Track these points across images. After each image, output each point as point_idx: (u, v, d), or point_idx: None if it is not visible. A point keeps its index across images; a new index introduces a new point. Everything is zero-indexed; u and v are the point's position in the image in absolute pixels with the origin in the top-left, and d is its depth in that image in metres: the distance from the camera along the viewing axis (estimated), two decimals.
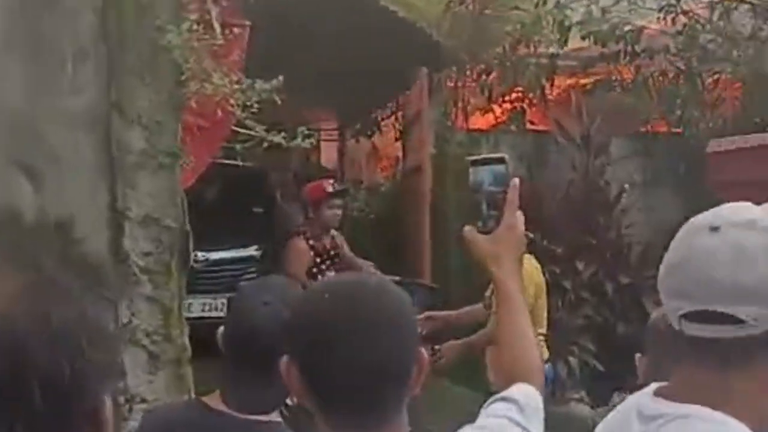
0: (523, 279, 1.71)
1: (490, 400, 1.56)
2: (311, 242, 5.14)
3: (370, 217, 9.13)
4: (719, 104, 8.47)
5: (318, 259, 5.14)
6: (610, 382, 7.10)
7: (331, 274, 5.19)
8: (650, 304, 7.15)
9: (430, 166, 6.77)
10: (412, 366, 1.35)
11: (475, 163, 1.77)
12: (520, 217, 1.67)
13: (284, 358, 1.36)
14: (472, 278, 5.66)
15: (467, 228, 1.69)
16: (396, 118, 9.10)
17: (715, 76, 8.56)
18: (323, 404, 1.34)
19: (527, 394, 1.56)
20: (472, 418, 1.55)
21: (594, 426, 5.87)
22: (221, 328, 2.00)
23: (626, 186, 7.66)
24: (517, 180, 1.68)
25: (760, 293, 1.28)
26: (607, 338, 7.02)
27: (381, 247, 6.92)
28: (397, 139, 9.36)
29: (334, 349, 1.30)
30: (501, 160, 1.74)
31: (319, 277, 5.15)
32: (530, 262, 4.57)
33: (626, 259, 7.39)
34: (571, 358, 6.94)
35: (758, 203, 4.51)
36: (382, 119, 9.47)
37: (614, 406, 5.93)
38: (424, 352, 1.38)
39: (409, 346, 1.35)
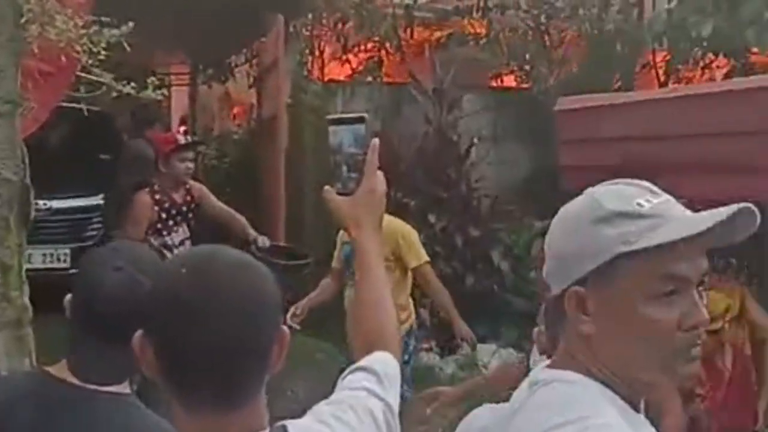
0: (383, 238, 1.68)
1: (348, 369, 1.53)
2: (158, 197, 4.94)
3: (223, 165, 8.95)
4: (566, 61, 8.76)
5: (164, 215, 4.95)
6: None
7: (182, 228, 5.04)
8: (497, 256, 7.39)
9: (286, 116, 6.66)
10: (273, 345, 1.30)
11: (333, 122, 1.73)
12: (380, 178, 1.64)
13: (138, 333, 1.30)
14: (326, 231, 5.64)
15: (327, 188, 1.64)
16: (251, 65, 8.90)
17: (562, 34, 8.84)
18: (177, 384, 1.29)
19: (386, 363, 1.54)
20: (335, 377, 1.53)
21: (442, 373, 6.05)
22: (68, 296, 1.88)
23: (476, 140, 7.81)
24: (377, 140, 1.63)
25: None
26: (457, 290, 7.18)
27: (235, 197, 6.80)
28: (251, 87, 9.16)
29: (190, 328, 1.24)
30: (361, 120, 1.70)
31: (167, 233, 4.98)
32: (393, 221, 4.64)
33: (476, 212, 7.57)
34: (421, 310, 7.07)
35: (602, 160, 4.64)
36: (237, 66, 9.24)
37: (463, 355, 6.06)
38: (286, 329, 1.34)
39: (269, 324, 1.30)
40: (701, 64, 8.02)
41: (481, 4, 8.98)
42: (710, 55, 7.37)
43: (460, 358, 7.15)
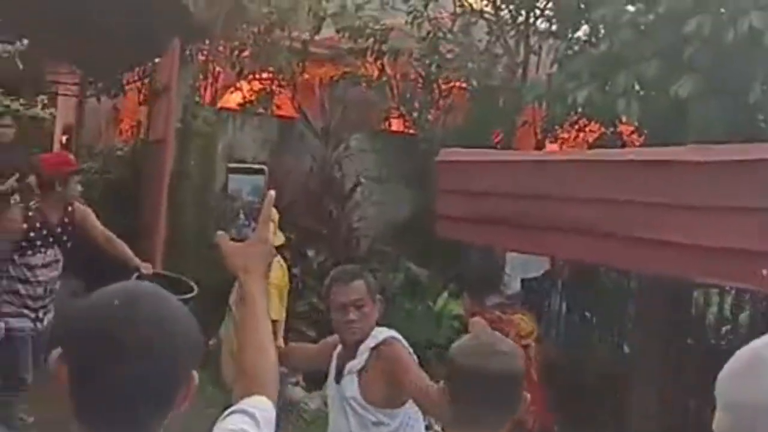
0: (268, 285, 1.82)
1: (227, 412, 1.61)
2: (31, 214, 4.90)
3: (104, 181, 8.83)
4: (451, 111, 9.09)
5: (33, 234, 4.90)
6: None
7: (52, 250, 4.98)
8: None
9: (175, 140, 6.67)
10: (182, 387, 1.39)
11: (234, 170, 1.84)
12: (271, 229, 1.78)
13: (56, 353, 1.36)
14: (204, 261, 5.67)
15: (221, 233, 1.76)
16: (142, 84, 8.87)
17: (450, 85, 9.18)
18: (82, 413, 1.35)
19: (263, 407, 1.63)
20: (214, 417, 1.61)
21: (306, 407, 6.19)
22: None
23: (362, 179, 8.00)
24: (273, 193, 1.76)
25: None
26: (328, 326, 7.31)
27: (113, 215, 6.74)
28: (140, 104, 9.11)
29: (108, 358, 1.31)
30: (261, 171, 1.82)
31: (31, 252, 4.91)
32: (278, 264, 4.76)
33: (354, 250, 7.74)
34: (293, 344, 7.14)
35: (475, 213, 4.88)
36: (128, 82, 9.18)
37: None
38: (195, 374, 1.42)
39: (182, 367, 1.39)
40: (576, 127, 8.48)
41: (376, 47, 9.23)
42: (584, 120, 7.81)
43: (325, 394, 7.24)
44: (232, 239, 1.75)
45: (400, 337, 3.31)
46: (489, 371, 2.09)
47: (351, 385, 3.22)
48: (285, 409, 7.19)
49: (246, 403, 1.63)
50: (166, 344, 1.36)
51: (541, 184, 4.75)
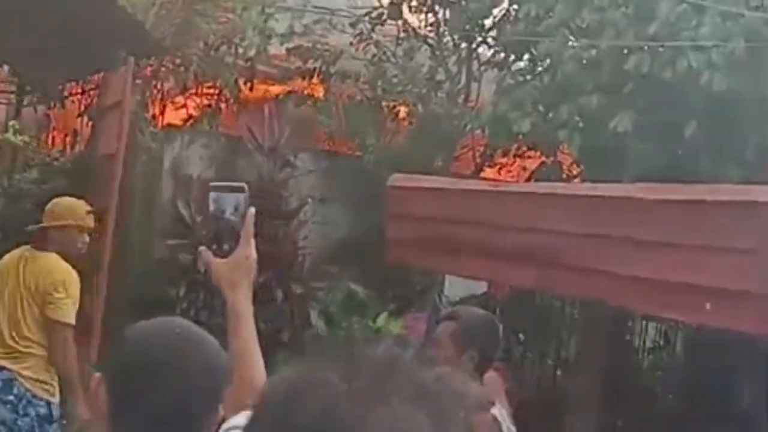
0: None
1: (225, 427, 1.67)
2: None
3: (41, 192, 8.70)
4: (396, 134, 9.24)
5: None
6: None
7: None
8: (315, 314, 7.65)
9: (122, 155, 6.64)
10: (213, 415, 1.52)
11: (216, 188, 1.94)
12: (253, 244, 1.87)
13: (97, 374, 1.44)
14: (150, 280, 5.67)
15: (203, 249, 1.85)
16: (83, 95, 8.78)
17: (395, 109, 9.34)
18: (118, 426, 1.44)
19: None
20: None
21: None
22: None
23: (308, 199, 8.08)
24: (253, 210, 1.87)
25: None
26: (271, 345, 7.36)
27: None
28: (79, 116, 9.00)
29: (151, 381, 1.43)
30: (241, 189, 1.93)
31: None
32: None
33: (299, 269, 7.80)
34: None
35: (421, 238, 5.00)
36: (70, 93, 9.07)
37: None
38: (221, 409, 1.55)
39: (210, 400, 1.51)
40: (515, 154, 8.71)
41: (323, 68, 9.32)
42: (523, 149, 8.03)
43: None
44: (215, 255, 1.85)
45: (500, 415, 3.23)
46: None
47: None
48: None
49: (238, 421, 1.66)
50: (204, 379, 1.51)
51: (485, 213, 4.92)
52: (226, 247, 1.88)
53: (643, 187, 4.07)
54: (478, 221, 4.94)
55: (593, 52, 6.51)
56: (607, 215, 4.03)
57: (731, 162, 5.82)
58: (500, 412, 3.23)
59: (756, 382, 4.58)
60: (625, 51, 6.25)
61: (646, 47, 6.05)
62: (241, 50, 9.11)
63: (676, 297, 3.53)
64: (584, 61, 6.58)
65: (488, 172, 9.41)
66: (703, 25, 5.71)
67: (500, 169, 9.65)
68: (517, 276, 4.80)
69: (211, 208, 1.91)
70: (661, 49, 5.98)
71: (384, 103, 9.35)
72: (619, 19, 6.25)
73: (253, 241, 1.87)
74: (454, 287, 7.62)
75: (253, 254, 1.87)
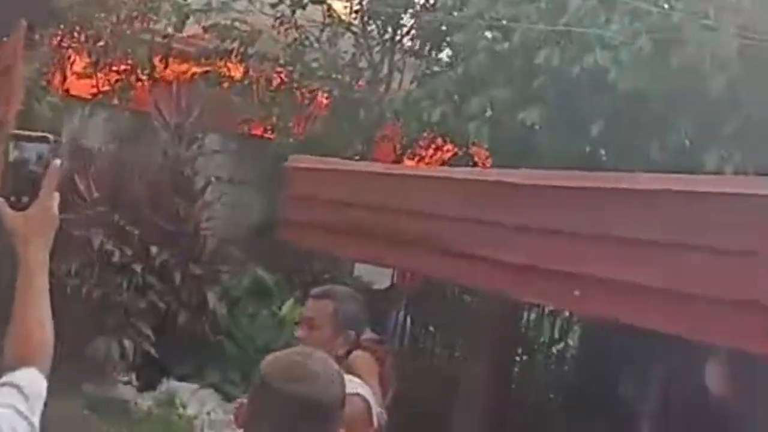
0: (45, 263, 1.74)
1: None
2: None
3: None
4: (313, 119, 9.11)
5: None
6: (161, 368, 7.28)
7: None
8: (213, 296, 7.46)
9: (12, 122, 6.37)
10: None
11: (17, 138, 1.80)
12: (56, 198, 1.73)
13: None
14: None
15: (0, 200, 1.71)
16: None
17: (313, 93, 9.20)
18: None
19: (33, 380, 1.62)
20: None
21: (137, 408, 6.04)
22: None
23: (213, 179, 7.89)
24: (58, 161, 1.74)
25: None
26: (167, 325, 7.18)
27: None
28: None
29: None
30: (45, 139, 1.80)
31: None
32: None
33: (200, 250, 7.62)
34: (126, 341, 6.98)
35: (319, 220, 4.89)
36: None
37: (162, 391, 6.12)
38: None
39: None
40: (433, 146, 8.65)
41: (242, 49, 9.14)
42: (439, 140, 7.97)
43: (158, 394, 7.11)
44: (12, 207, 1.71)
45: (370, 396, 3.09)
46: (294, 396, 1.82)
47: None
48: (114, 407, 7.00)
49: (17, 377, 1.61)
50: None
51: (387, 197, 4.81)
52: (25, 199, 1.74)
53: (536, 173, 4.01)
54: (375, 204, 4.84)
55: (506, 44, 6.45)
56: (496, 200, 3.96)
57: (635, 159, 5.82)
58: (369, 391, 3.11)
59: (643, 376, 4.57)
60: (538, 45, 6.21)
61: (557, 42, 6.01)
62: (157, 26, 8.89)
63: (550, 284, 3.47)
64: (496, 54, 6.52)
65: (407, 163, 9.34)
66: (612, 23, 5.69)
67: (419, 160, 9.60)
68: (414, 262, 4.71)
69: (11, 157, 1.76)
70: (570, 44, 5.94)
71: (303, 88, 9.21)
72: (533, 12, 6.20)
73: (56, 195, 1.73)
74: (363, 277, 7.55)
75: (54, 208, 1.73)
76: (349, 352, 4.24)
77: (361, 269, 7.51)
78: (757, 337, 2.73)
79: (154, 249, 7.25)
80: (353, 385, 2.94)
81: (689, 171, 4.59)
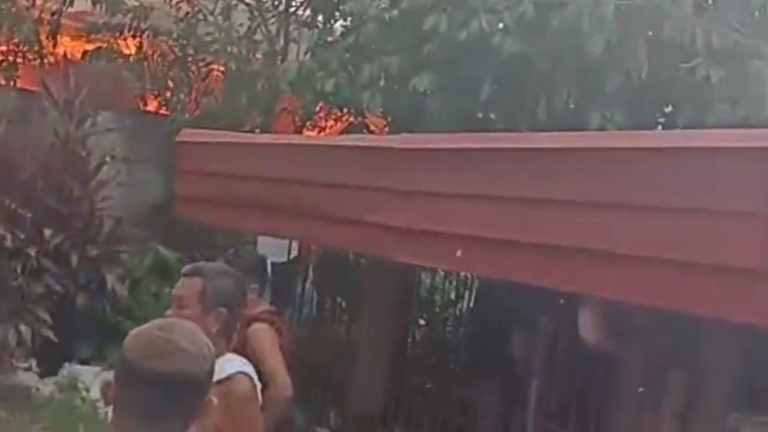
0: None
1: None
2: None
3: None
4: (208, 94, 9.01)
5: None
6: (62, 352, 7.16)
7: None
8: (112, 277, 7.35)
9: None
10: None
11: None
12: None
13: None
14: None
15: None
16: None
17: (208, 67, 9.09)
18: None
19: None
20: None
21: (39, 394, 5.94)
22: None
23: (107, 158, 7.74)
24: None
25: None
26: (65, 309, 7.05)
27: None
28: None
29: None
30: None
31: None
32: None
33: (97, 231, 7.48)
34: (23, 326, 6.83)
35: (208, 194, 4.84)
36: None
37: (64, 375, 6.03)
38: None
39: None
40: (331, 115, 8.66)
41: (134, 24, 8.96)
42: (336, 110, 7.99)
43: (60, 379, 7.00)
44: None
45: (253, 374, 2.99)
46: (156, 373, 1.75)
47: None
48: (16, 394, 6.86)
49: None
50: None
51: (278, 167, 4.82)
52: None
53: (411, 137, 4.08)
54: (267, 175, 4.85)
55: (395, 12, 6.49)
56: (380, 165, 4.02)
57: (523, 120, 5.94)
58: (252, 369, 3.08)
59: (530, 335, 4.71)
60: (425, 12, 6.26)
61: (444, 9, 6.07)
62: (47, 4, 8.65)
63: (433, 245, 3.55)
64: (386, 22, 6.55)
65: (308, 135, 9.33)
66: None
67: (319, 132, 9.60)
68: (291, 230, 4.73)
69: None
70: (457, 10, 6.01)
71: (198, 62, 9.10)
72: None
73: None
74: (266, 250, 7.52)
75: None
76: (249, 324, 4.26)
77: (265, 242, 7.50)
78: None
79: (48, 232, 7.09)
80: (236, 364, 2.94)
81: (575, 130, 4.73)
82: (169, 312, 2.95)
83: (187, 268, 3.12)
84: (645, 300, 2.87)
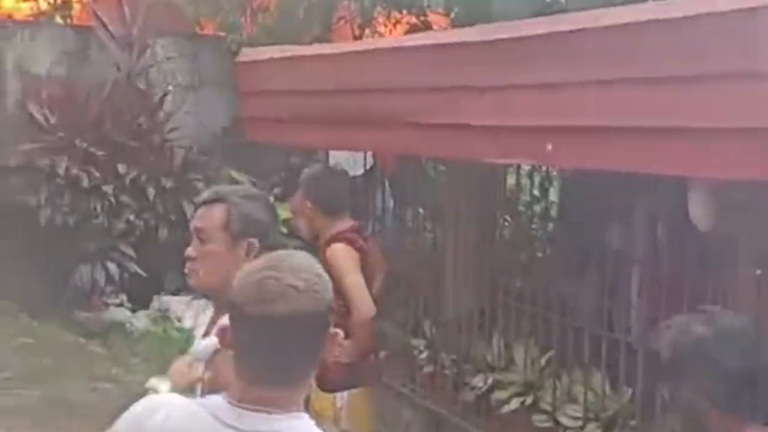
0: None
1: None
2: None
3: None
4: (262, 11, 8.77)
5: None
6: (150, 286, 7.23)
7: None
8: (190, 207, 7.32)
9: None
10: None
11: None
12: None
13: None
14: None
15: None
16: None
17: None
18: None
19: None
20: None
21: (133, 328, 5.95)
22: None
23: (170, 88, 7.64)
24: None
25: None
26: (149, 243, 7.08)
27: None
28: None
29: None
30: None
31: None
32: None
33: (169, 162, 7.44)
34: (109, 264, 6.89)
35: (274, 113, 4.69)
36: None
37: (156, 309, 6.03)
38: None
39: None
40: (392, 19, 8.35)
41: None
42: (395, 14, 7.68)
43: (152, 312, 7.08)
44: None
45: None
46: (269, 317, 1.66)
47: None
48: (111, 331, 6.98)
49: None
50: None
51: (346, 77, 4.62)
52: None
53: (486, 29, 3.82)
54: (323, 88, 4.66)
55: None
56: (452, 63, 3.78)
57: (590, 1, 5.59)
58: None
59: (626, 224, 4.50)
60: None
61: None
62: None
63: (521, 141, 3.34)
64: None
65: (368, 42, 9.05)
66: None
67: (379, 37, 9.31)
68: (382, 141, 4.54)
69: None
70: None
71: None
72: None
73: None
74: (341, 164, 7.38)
75: None
76: (328, 244, 4.12)
77: (337, 157, 7.35)
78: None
79: (122, 168, 7.08)
80: None
81: None
82: (190, 249, 2.55)
83: (205, 194, 2.65)
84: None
